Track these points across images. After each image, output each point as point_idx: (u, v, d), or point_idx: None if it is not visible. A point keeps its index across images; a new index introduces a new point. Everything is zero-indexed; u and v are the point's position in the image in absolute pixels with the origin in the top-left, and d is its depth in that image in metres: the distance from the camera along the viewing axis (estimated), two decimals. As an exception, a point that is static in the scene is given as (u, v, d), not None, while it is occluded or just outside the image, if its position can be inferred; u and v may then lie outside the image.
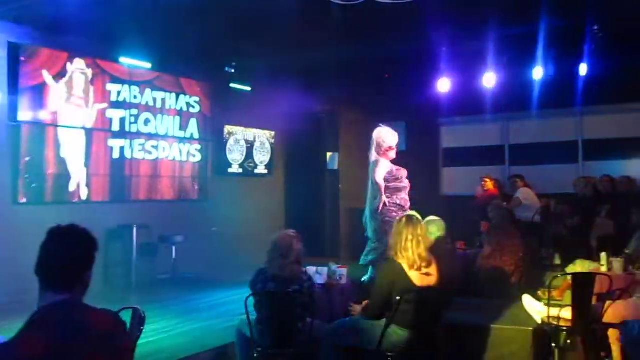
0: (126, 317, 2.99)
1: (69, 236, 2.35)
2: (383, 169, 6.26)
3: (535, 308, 5.05)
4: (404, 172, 6.42)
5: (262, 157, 11.91)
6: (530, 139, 11.36)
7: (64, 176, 8.43)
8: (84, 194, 8.67)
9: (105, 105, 8.99)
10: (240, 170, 11.45)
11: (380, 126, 6.54)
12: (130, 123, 9.37)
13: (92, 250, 2.39)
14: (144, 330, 3.13)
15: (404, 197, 6.34)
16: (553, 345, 4.66)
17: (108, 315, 2.34)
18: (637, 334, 3.39)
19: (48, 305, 2.21)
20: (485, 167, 11.53)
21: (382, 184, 6.19)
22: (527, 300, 5.21)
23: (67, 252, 2.31)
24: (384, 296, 4.30)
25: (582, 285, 4.64)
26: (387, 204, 6.18)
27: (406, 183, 6.40)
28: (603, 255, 5.88)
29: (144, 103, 9.57)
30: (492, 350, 5.15)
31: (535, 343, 4.97)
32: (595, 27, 8.55)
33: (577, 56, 9.34)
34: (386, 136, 6.43)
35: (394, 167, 6.36)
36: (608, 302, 4.55)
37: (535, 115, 10.61)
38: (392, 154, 6.39)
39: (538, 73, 9.65)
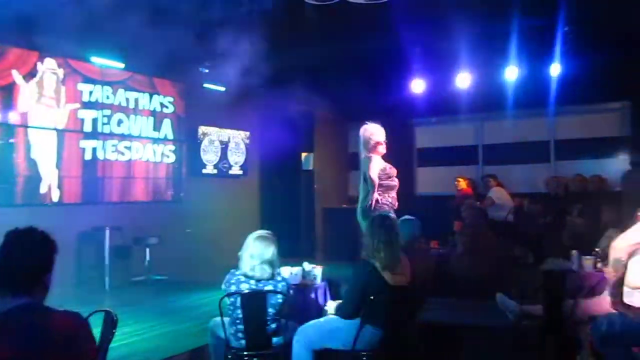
0: (98, 320, 2.96)
1: (27, 239, 2.33)
2: (376, 165, 6.13)
3: (508, 306, 5.10)
4: (394, 171, 6.35)
5: (236, 158, 11.86)
6: (504, 139, 11.48)
7: (34, 178, 8.31)
8: (55, 196, 8.55)
9: (77, 105, 8.89)
10: (215, 171, 11.39)
11: (366, 123, 6.48)
12: (103, 124, 9.27)
13: (51, 253, 2.37)
14: (116, 333, 3.10)
15: (394, 196, 6.28)
16: (526, 342, 4.71)
17: (70, 316, 2.32)
18: (605, 331, 3.44)
19: (9, 310, 2.19)
20: (458, 167, 11.64)
21: (376, 181, 6.07)
22: (501, 298, 5.26)
23: (26, 256, 2.30)
24: (357, 296, 4.31)
25: (554, 283, 4.70)
26: (379, 201, 6.08)
27: (396, 182, 6.34)
28: (574, 253, 5.95)
29: (116, 103, 9.48)
30: (465, 349, 5.18)
31: (509, 341, 5.01)
32: (567, 28, 8.66)
33: (549, 57, 9.45)
34: (373, 132, 6.34)
35: (387, 165, 6.28)
36: (579, 300, 4.62)
37: (508, 115, 10.73)
38: (382, 149, 6.27)
39: (511, 74, 9.76)
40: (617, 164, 10.30)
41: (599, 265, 5.64)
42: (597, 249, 6.02)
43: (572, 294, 4.72)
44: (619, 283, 3.46)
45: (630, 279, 4.03)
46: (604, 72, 9.30)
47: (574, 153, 10.94)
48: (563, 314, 4.63)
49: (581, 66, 9.34)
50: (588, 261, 5.74)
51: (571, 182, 9.82)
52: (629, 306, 3.51)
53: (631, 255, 3.55)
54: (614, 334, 3.40)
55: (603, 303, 4.15)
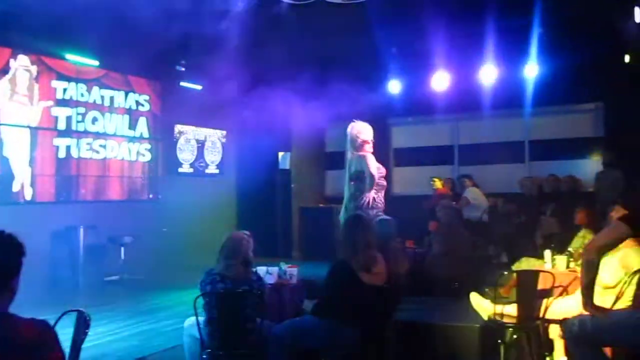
0: (71, 320, 2.93)
1: None
2: (374, 162, 6.02)
3: (482, 305, 5.13)
4: (384, 171, 6.28)
5: (213, 157, 11.81)
6: (479, 140, 11.57)
7: (7, 176, 8.19)
8: (28, 194, 8.45)
9: (50, 103, 8.78)
10: (191, 170, 11.34)
11: (353, 121, 6.41)
12: (77, 121, 9.17)
13: (19, 257, 2.30)
14: (89, 333, 3.06)
15: (382, 197, 6.21)
16: (499, 341, 4.74)
17: (36, 324, 2.26)
18: (576, 331, 3.47)
19: None
20: (434, 167, 11.71)
21: (377, 176, 5.94)
22: (475, 298, 5.30)
23: None
24: (333, 295, 4.32)
25: (527, 282, 4.74)
26: (375, 199, 5.97)
27: (385, 183, 6.27)
28: (547, 252, 6.01)
29: (91, 101, 9.39)
30: (440, 348, 5.21)
31: (483, 340, 5.05)
32: (541, 30, 8.75)
33: (524, 58, 9.55)
34: (360, 130, 6.26)
35: (379, 164, 6.19)
36: (551, 299, 4.67)
37: (483, 116, 10.81)
38: (369, 148, 6.19)
39: (486, 75, 9.84)
40: (591, 165, 10.42)
41: (571, 265, 5.72)
42: (569, 249, 6.10)
43: (544, 293, 4.77)
44: (591, 284, 3.50)
45: (602, 279, 4.09)
46: (578, 74, 9.41)
47: (548, 153, 11.06)
48: (536, 314, 4.68)
49: (555, 67, 9.44)
50: (561, 261, 5.81)
51: (545, 183, 9.93)
52: (600, 307, 3.55)
53: (603, 255, 3.59)
54: (586, 335, 3.43)
55: (576, 303, 4.19)
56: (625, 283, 4.00)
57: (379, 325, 4.44)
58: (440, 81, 10.19)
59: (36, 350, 2.15)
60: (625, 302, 3.93)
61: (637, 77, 9.00)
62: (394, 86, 10.60)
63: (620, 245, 3.75)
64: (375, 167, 5.93)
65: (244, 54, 9.22)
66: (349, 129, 6.26)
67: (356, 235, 4.36)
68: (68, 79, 9.00)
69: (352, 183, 6.01)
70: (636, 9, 8.09)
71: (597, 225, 5.83)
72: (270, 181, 12.51)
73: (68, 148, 9.05)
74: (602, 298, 3.97)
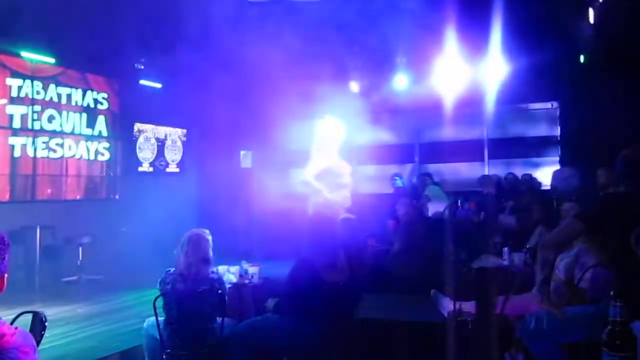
0: (27, 321, 2.87)
1: None
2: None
3: (442, 302, 5.19)
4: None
5: (173, 156, 11.70)
6: (439, 138, 11.70)
7: (-40, 175, 7.99)
8: (-18, 194, 8.25)
9: (4, 101, 8.58)
10: (151, 169, 11.21)
11: (322, 117, 6.42)
12: (33, 120, 8.98)
13: (4, 254, 2.23)
14: (48, 335, 3.01)
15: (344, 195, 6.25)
16: (459, 338, 4.80)
17: (18, 337, 2.19)
18: (533, 328, 3.54)
19: None
20: (395, 165, 11.79)
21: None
22: (435, 295, 5.35)
23: None
24: (293, 293, 4.32)
25: (486, 279, 4.81)
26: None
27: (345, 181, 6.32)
28: (505, 250, 6.11)
29: (47, 99, 9.20)
30: (403, 345, 5.25)
31: (443, 337, 5.11)
32: (498, 30, 8.88)
33: (481, 58, 9.68)
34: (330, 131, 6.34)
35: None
36: (509, 296, 4.74)
37: (444, 115, 10.92)
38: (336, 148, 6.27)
39: (445, 74, 9.94)
40: (547, 163, 10.63)
41: (529, 262, 5.82)
42: (527, 246, 6.20)
43: (503, 290, 4.84)
44: (547, 280, 3.57)
45: (557, 275, 4.18)
46: (534, 73, 9.59)
47: (507, 152, 11.25)
48: (494, 310, 4.75)
49: (512, 67, 9.60)
50: (519, 258, 5.91)
51: (503, 181, 10.09)
52: (556, 303, 3.63)
53: (558, 252, 3.67)
54: (542, 331, 3.50)
55: (532, 300, 4.27)
56: (579, 279, 4.09)
57: (341, 323, 4.45)
58: (401, 81, 10.28)
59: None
60: (580, 299, 4.02)
61: (592, 77, 9.21)
62: (354, 86, 10.71)
63: (575, 242, 3.83)
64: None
65: (203, 50, 9.14)
66: (318, 127, 6.28)
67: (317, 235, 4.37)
68: (23, 77, 8.81)
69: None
70: (590, 9, 8.28)
71: (553, 223, 5.95)
72: (231, 180, 12.43)
73: (24, 147, 8.85)
74: (558, 294, 4.06)
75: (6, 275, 2.26)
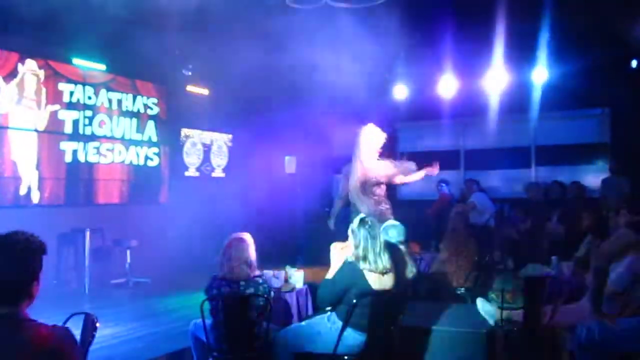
0: (78, 322, 2.94)
1: (10, 248, 2.22)
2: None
3: (488, 311, 5.13)
4: None
5: (219, 161, 11.84)
6: (485, 145, 11.56)
7: (14, 179, 8.22)
8: (35, 197, 8.47)
9: (57, 106, 8.81)
10: (197, 174, 11.36)
11: (365, 126, 6.50)
12: (84, 125, 9.19)
13: (38, 260, 2.26)
14: (96, 336, 3.07)
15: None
16: (506, 347, 4.74)
17: (56, 331, 2.23)
18: (584, 339, 3.47)
19: None
20: (441, 172, 11.68)
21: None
22: (481, 303, 5.29)
23: (8, 269, 2.19)
24: (337, 289, 4.31)
25: (534, 288, 4.74)
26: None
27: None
28: (554, 259, 6.01)
29: (98, 104, 9.41)
30: (446, 353, 5.20)
31: (489, 345, 5.04)
32: (549, 35, 8.75)
33: (532, 63, 9.55)
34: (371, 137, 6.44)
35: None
36: (558, 306, 4.66)
37: (489, 121, 10.79)
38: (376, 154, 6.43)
39: (493, 80, 9.83)
40: (596, 171, 10.40)
41: (578, 271, 5.71)
42: (576, 255, 6.09)
43: (551, 300, 4.76)
44: (599, 290, 3.50)
45: (610, 286, 4.08)
46: (584, 79, 9.41)
47: (554, 159, 11.04)
48: (542, 320, 4.67)
49: (562, 73, 9.45)
50: (567, 267, 5.81)
51: (550, 188, 9.92)
52: (608, 314, 3.55)
53: (612, 262, 3.59)
54: (593, 342, 3.43)
55: (582, 310, 4.19)
56: (633, 290, 3.99)
57: (385, 330, 4.43)
58: (447, 86, 10.20)
59: (55, 356, 2.14)
60: (633, 309, 3.92)
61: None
62: (400, 92, 10.66)
63: (628, 252, 3.75)
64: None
65: (249, 57, 9.23)
66: (361, 134, 6.32)
67: (367, 240, 4.34)
68: (75, 83, 9.03)
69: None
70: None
71: (603, 232, 5.82)
72: (276, 185, 12.51)
73: (75, 152, 9.07)
74: (610, 305, 3.96)
75: (37, 281, 2.28)
